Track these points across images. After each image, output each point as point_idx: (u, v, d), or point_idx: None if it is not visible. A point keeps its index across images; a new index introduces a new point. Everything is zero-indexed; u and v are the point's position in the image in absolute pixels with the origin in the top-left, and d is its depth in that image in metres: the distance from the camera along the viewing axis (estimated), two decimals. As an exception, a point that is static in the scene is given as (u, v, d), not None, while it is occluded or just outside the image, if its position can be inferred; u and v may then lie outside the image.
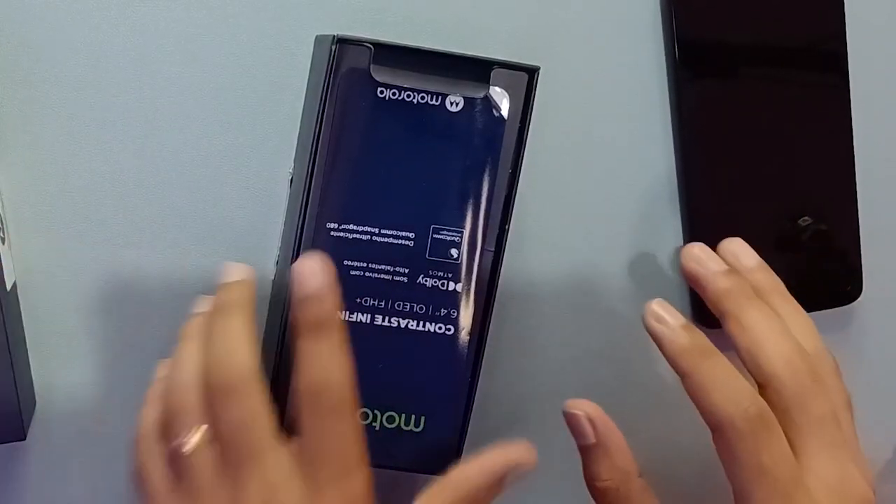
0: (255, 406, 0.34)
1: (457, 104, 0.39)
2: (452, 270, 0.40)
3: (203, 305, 0.39)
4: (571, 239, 0.47)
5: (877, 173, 0.49)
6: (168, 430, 0.35)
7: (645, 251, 0.48)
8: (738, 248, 0.43)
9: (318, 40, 0.42)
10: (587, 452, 0.40)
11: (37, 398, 0.42)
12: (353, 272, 0.40)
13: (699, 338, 0.39)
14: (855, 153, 0.48)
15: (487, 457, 0.37)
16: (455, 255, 0.40)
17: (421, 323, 0.41)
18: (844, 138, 0.48)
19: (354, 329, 0.38)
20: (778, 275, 0.42)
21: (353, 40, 0.39)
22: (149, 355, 0.43)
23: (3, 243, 0.40)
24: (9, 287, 0.39)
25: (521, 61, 0.40)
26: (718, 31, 0.46)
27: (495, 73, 0.40)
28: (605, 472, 0.40)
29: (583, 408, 0.40)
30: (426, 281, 0.40)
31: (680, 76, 0.46)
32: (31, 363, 0.42)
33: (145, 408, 0.37)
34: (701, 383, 0.37)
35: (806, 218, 0.47)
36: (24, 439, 0.39)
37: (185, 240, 0.43)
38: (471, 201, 0.40)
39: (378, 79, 0.39)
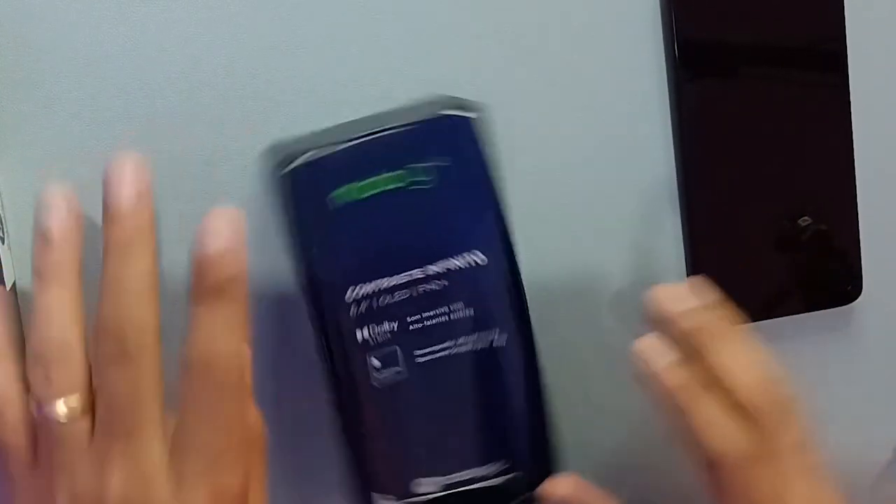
0: (145, 376, 0.29)
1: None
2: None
3: (51, 219, 0.32)
4: (570, 239, 0.47)
5: (877, 173, 0.49)
6: (37, 390, 0.30)
7: (645, 251, 0.48)
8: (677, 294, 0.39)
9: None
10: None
11: (37, 398, 0.42)
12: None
13: (690, 376, 0.38)
14: (855, 153, 0.48)
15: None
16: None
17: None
18: (844, 138, 0.48)
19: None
20: (777, 275, 0.42)
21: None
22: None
23: (3, 243, 0.40)
24: (9, 287, 0.39)
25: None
26: (718, 32, 0.46)
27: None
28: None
29: (558, 490, 0.41)
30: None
31: (680, 76, 0.46)
32: (31, 363, 0.42)
33: (2, 361, 0.32)
34: (697, 421, 0.37)
35: (806, 218, 0.47)
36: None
37: (186, 240, 0.43)
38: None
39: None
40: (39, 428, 0.30)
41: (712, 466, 0.37)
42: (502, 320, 0.41)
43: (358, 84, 0.43)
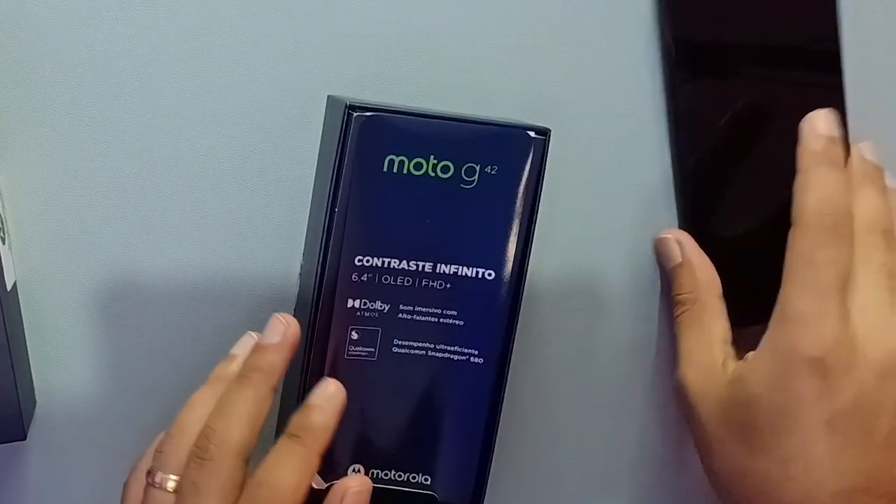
0: (222, 482, 0.35)
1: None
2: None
3: (240, 348, 0.40)
4: (571, 239, 0.47)
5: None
6: (153, 461, 0.38)
7: (643, 251, 0.48)
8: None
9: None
10: (676, 272, 0.45)
11: (37, 398, 0.42)
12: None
13: (833, 151, 0.41)
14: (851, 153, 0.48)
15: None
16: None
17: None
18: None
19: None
20: (775, 274, 0.43)
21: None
22: (149, 355, 0.44)
23: (3, 243, 0.40)
24: (9, 287, 0.39)
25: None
26: (714, 33, 0.46)
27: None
28: (688, 285, 0.44)
29: (672, 233, 0.46)
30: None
31: (676, 77, 0.46)
32: (31, 363, 0.42)
33: (161, 435, 0.39)
34: (806, 182, 0.41)
35: None
36: (25, 439, 0.39)
37: (186, 240, 0.43)
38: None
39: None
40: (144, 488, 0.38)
41: (794, 221, 0.41)
42: (487, 343, 0.41)
43: (361, 87, 0.43)
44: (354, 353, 0.40)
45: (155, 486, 0.37)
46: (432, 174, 0.39)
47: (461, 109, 0.43)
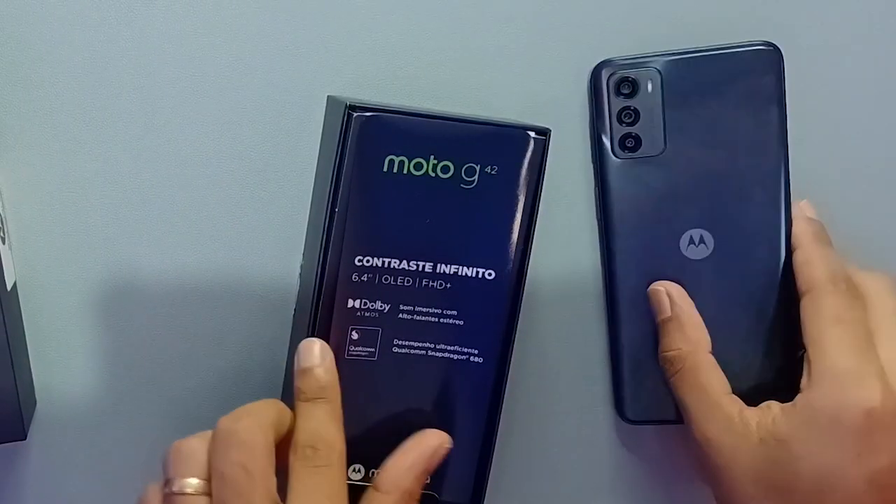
0: (254, 473, 0.35)
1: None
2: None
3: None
4: (570, 239, 0.47)
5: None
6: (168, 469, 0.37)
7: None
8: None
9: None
10: (664, 326, 0.44)
11: (37, 398, 0.42)
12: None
13: (823, 231, 0.44)
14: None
15: (413, 450, 0.39)
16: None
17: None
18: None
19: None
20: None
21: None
22: (149, 355, 0.43)
23: (3, 243, 0.40)
24: (9, 287, 0.39)
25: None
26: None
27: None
28: (677, 341, 0.43)
29: (664, 286, 0.44)
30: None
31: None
32: (31, 363, 0.42)
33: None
34: (810, 257, 0.43)
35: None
36: (25, 439, 0.39)
37: (186, 240, 0.43)
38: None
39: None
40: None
41: (808, 290, 0.42)
42: (487, 343, 0.41)
43: (361, 87, 0.43)
44: (355, 353, 0.40)
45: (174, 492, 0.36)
46: (432, 174, 0.39)
47: (461, 109, 0.43)
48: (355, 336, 0.40)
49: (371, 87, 0.43)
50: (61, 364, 0.43)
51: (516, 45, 0.44)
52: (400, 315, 0.40)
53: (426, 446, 0.39)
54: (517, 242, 0.40)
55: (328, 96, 0.42)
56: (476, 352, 0.41)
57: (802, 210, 0.45)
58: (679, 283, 0.45)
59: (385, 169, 0.39)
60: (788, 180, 0.45)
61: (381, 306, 0.40)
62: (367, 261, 0.39)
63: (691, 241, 0.45)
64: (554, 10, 0.44)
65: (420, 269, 0.40)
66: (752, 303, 0.46)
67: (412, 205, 0.39)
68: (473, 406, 0.41)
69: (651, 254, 0.45)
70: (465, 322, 0.40)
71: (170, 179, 0.42)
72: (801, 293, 0.43)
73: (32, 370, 0.42)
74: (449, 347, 0.41)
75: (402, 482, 0.37)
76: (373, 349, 0.40)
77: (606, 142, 0.45)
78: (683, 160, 0.45)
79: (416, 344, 0.40)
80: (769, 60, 0.44)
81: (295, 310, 0.44)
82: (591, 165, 0.46)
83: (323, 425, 0.37)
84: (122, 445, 0.44)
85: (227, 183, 0.43)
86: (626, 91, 0.44)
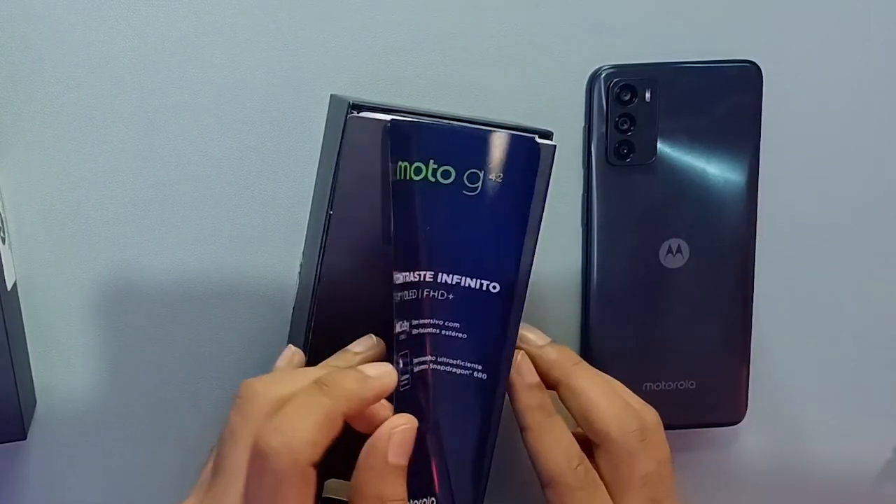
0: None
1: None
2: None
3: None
4: (571, 244, 0.47)
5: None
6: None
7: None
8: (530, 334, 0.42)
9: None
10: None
11: (37, 398, 0.43)
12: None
13: (545, 398, 0.41)
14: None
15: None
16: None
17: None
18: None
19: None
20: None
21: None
22: (149, 355, 0.43)
23: (4, 243, 0.40)
24: (9, 287, 0.39)
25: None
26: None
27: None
28: (531, 398, 0.41)
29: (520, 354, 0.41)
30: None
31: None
32: (31, 363, 0.42)
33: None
34: (541, 439, 0.40)
35: None
36: (25, 439, 0.39)
37: (186, 240, 0.43)
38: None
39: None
40: None
41: (550, 483, 0.40)
42: (491, 358, 0.39)
43: (363, 88, 0.43)
44: (403, 381, 0.37)
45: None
46: (432, 179, 0.37)
47: (461, 110, 0.43)
48: (401, 364, 0.36)
49: (372, 87, 0.43)
50: (61, 364, 0.43)
51: (516, 46, 0.44)
52: (414, 332, 0.37)
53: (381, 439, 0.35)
54: (524, 255, 0.38)
55: (331, 95, 0.42)
56: (479, 367, 0.39)
57: (523, 375, 0.41)
58: (655, 292, 0.46)
59: (398, 176, 0.36)
60: (756, 193, 0.46)
61: (405, 326, 0.37)
62: (404, 277, 0.37)
63: (669, 250, 0.46)
64: (552, 14, 0.45)
65: (421, 279, 0.37)
66: (717, 313, 0.46)
67: (414, 211, 0.37)
68: (474, 421, 0.39)
69: (631, 262, 0.46)
70: (468, 336, 0.38)
71: (170, 179, 0.42)
72: (544, 485, 0.41)
73: (32, 370, 0.42)
74: (451, 361, 0.38)
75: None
76: (408, 375, 0.37)
77: (601, 147, 0.45)
78: (670, 169, 0.45)
79: (423, 359, 0.38)
80: (750, 78, 0.45)
81: (294, 309, 0.44)
82: (581, 169, 0.45)
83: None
84: (122, 445, 0.44)
85: (227, 183, 0.43)
86: (625, 97, 0.44)
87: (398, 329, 0.36)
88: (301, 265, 0.44)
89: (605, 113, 0.45)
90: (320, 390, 0.34)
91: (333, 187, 0.37)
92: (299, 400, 0.33)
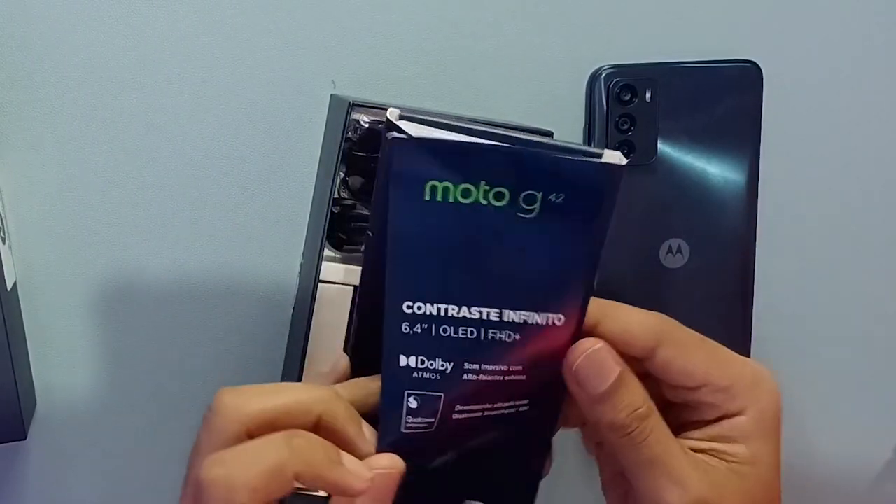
0: None
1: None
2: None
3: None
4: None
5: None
6: None
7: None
8: None
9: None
10: (616, 384, 0.34)
11: (37, 398, 0.42)
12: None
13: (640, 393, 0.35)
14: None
15: None
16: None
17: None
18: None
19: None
20: None
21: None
22: (148, 355, 0.43)
23: (4, 243, 0.40)
24: (9, 287, 0.39)
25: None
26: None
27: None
28: (641, 397, 0.34)
29: (598, 343, 0.33)
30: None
31: None
32: (31, 363, 0.42)
33: None
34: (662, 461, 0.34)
35: None
36: (25, 439, 0.39)
37: (186, 240, 0.43)
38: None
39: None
40: None
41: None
42: (543, 392, 0.34)
43: (364, 88, 0.43)
44: (413, 424, 0.33)
45: None
46: (483, 202, 0.31)
47: (462, 110, 0.43)
48: (413, 404, 0.32)
49: (373, 88, 0.43)
50: (61, 364, 0.43)
51: (516, 46, 0.44)
52: (465, 377, 0.32)
53: None
54: (587, 281, 0.33)
55: (331, 95, 0.42)
56: (526, 402, 0.34)
57: (603, 377, 0.34)
58: (655, 292, 0.46)
59: (427, 197, 0.31)
60: (757, 193, 0.46)
61: (442, 366, 0.32)
62: (419, 308, 0.32)
63: (669, 250, 0.46)
64: (552, 14, 0.45)
65: (483, 317, 0.32)
66: (717, 313, 0.46)
67: (462, 238, 0.32)
68: (520, 456, 0.35)
69: (631, 262, 0.46)
70: (527, 377, 0.33)
71: (170, 179, 0.42)
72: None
73: (32, 370, 0.42)
74: (505, 405, 0.33)
75: None
76: (433, 419, 0.32)
77: (601, 147, 0.45)
78: (670, 169, 0.45)
79: (476, 407, 0.33)
80: (750, 78, 0.45)
81: (294, 308, 0.44)
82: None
83: None
84: (122, 445, 0.44)
85: (227, 183, 0.43)
86: (626, 97, 0.44)
87: (409, 364, 0.32)
88: (301, 265, 0.44)
89: (605, 113, 0.45)
90: (287, 442, 0.30)
91: (378, 209, 0.32)
92: (259, 442, 0.30)
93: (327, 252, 0.41)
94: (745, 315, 0.47)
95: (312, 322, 0.40)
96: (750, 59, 0.46)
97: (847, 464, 0.52)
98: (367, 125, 0.40)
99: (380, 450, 0.32)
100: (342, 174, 0.41)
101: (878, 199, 0.49)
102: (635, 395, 0.34)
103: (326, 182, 0.40)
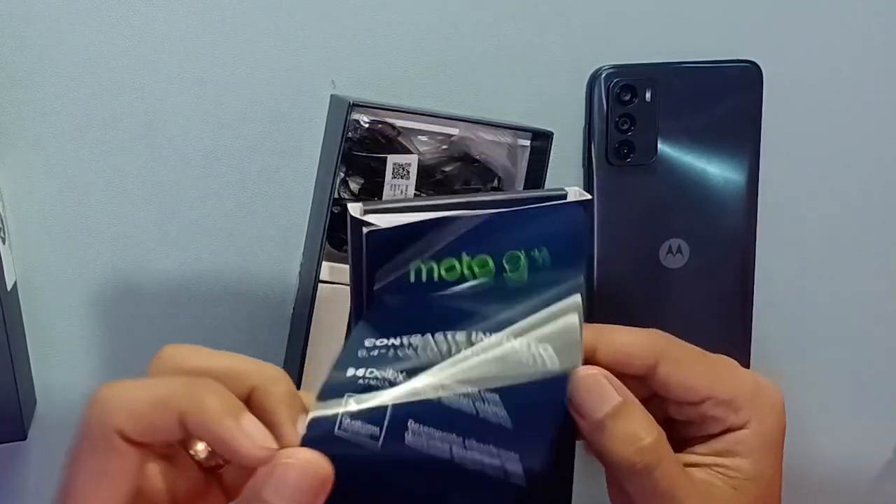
0: None
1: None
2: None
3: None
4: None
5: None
6: None
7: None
8: None
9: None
10: (619, 413, 0.32)
11: (37, 398, 0.42)
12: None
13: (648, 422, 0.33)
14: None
15: None
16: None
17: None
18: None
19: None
20: None
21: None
22: (148, 355, 0.43)
23: (4, 243, 0.40)
24: (9, 287, 0.39)
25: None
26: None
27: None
28: (645, 428, 0.32)
29: (596, 370, 0.32)
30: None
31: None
32: (31, 363, 0.42)
33: None
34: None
35: None
36: (25, 439, 0.39)
37: (186, 240, 0.43)
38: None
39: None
40: None
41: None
42: (537, 455, 0.27)
43: (364, 88, 0.43)
44: (353, 429, 0.27)
45: None
46: (467, 272, 0.31)
47: (462, 110, 0.43)
48: (354, 408, 0.28)
49: (373, 88, 0.43)
50: (61, 364, 0.43)
51: (516, 46, 0.44)
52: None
53: None
54: (580, 325, 0.31)
55: (331, 95, 0.42)
56: (516, 456, 0.27)
57: (604, 399, 0.32)
58: (655, 292, 0.46)
59: (412, 279, 0.30)
60: (756, 193, 0.46)
61: (391, 374, 0.29)
62: (381, 341, 0.30)
63: (669, 250, 0.46)
64: (552, 14, 0.45)
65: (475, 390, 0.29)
66: (717, 313, 0.47)
67: (456, 317, 0.30)
68: None
69: (631, 262, 0.46)
70: (513, 427, 0.28)
71: (170, 179, 0.42)
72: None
73: (32, 370, 0.42)
74: (482, 446, 0.27)
75: None
76: (375, 430, 0.27)
77: (601, 147, 0.45)
78: (670, 169, 0.45)
79: (437, 433, 0.27)
80: (750, 78, 0.46)
81: (294, 308, 0.44)
82: (582, 169, 0.45)
83: None
84: (122, 445, 0.44)
85: (227, 183, 0.43)
86: (626, 97, 0.44)
87: (356, 373, 0.29)
88: (301, 265, 0.44)
89: (605, 113, 0.45)
90: (184, 381, 0.29)
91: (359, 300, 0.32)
92: (158, 377, 0.30)
93: (327, 252, 0.41)
94: (745, 315, 0.47)
95: (312, 322, 0.40)
96: (750, 59, 0.46)
97: (847, 464, 0.52)
98: (367, 125, 0.40)
99: (304, 444, 0.27)
100: (342, 174, 0.41)
101: (878, 199, 0.49)
102: (637, 425, 0.32)
103: (326, 182, 0.40)
